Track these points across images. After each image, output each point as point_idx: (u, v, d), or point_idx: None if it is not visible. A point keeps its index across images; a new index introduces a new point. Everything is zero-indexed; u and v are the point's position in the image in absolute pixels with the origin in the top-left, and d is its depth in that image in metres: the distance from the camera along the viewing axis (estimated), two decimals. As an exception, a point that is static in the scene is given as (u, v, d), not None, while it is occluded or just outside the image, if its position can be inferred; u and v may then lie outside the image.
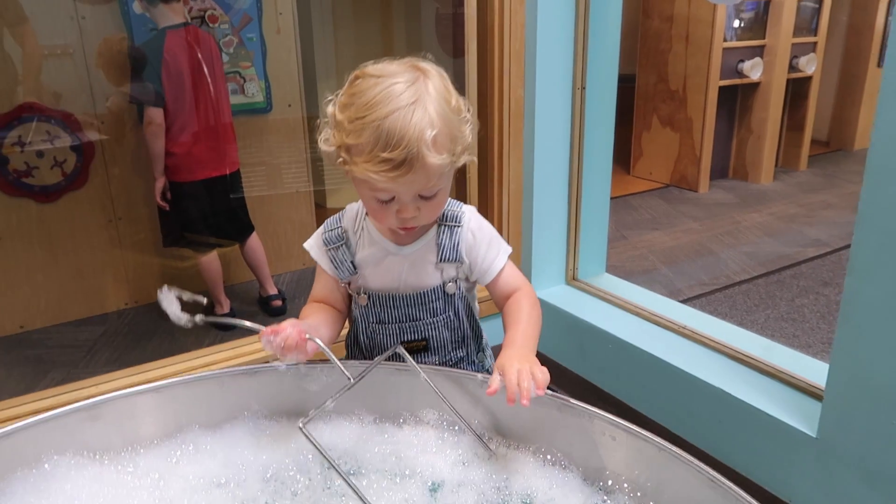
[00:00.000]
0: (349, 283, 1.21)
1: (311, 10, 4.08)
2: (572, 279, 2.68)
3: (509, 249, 1.21)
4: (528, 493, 0.89)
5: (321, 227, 1.22)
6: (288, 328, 0.99)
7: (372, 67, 1.00)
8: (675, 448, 0.82)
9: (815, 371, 1.92)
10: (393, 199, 1.02)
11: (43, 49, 2.97)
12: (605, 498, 0.88)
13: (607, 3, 2.36)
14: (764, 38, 5.25)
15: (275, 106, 3.56)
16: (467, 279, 1.22)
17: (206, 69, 2.89)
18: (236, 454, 0.97)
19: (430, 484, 0.92)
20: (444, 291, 1.17)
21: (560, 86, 2.43)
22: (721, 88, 5.14)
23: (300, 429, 0.80)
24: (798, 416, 1.79)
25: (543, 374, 0.95)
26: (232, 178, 3.12)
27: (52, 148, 3.06)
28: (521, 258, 2.61)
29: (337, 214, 1.21)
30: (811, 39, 5.52)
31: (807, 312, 3.25)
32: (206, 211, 3.07)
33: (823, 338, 2.96)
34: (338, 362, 0.95)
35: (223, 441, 0.99)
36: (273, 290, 3.37)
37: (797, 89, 5.65)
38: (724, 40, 5.03)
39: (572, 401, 0.93)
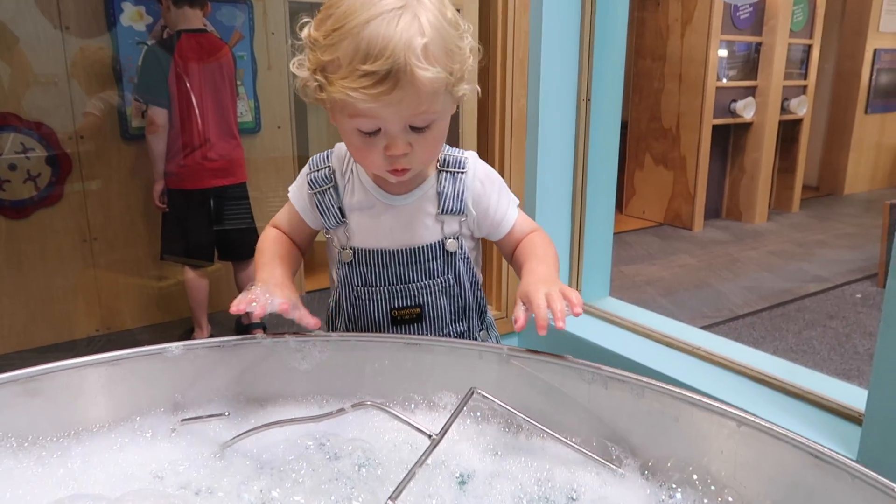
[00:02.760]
0: (330, 237, 1.04)
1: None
2: (576, 301, 2.52)
3: (517, 200, 1.05)
4: (572, 487, 0.71)
5: (305, 167, 1.04)
6: (263, 293, 0.89)
7: None
8: (761, 421, 0.66)
9: (848, 394, 1.78)
10: (379, 131, 0.85)
11: (31, 68, 2.85)
12: (672, 494, 0.71)
13: (613, 13, 2.28)
14: (756, 79, 5.27)
15: (264, 127, 3.44)
16: (471, 236, 1.04)
17: (216, 77, 2.79)
18: (201, 447, 0.79)
19: (458, 476, 0.74)
20: (444, 249, 0.99)
21: (564, 96, 2.33)
22: (714, 128, 5.12)
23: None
24: (836, 440, 1.63)
25: (576, 295, 0.80)
26: (240, 189, 2.97)
27: (27, 161, 2.90)
28: (507, 273, 2.46)
29: (325, 152, 1.04)
30: (801, 83, 5.56)
31: (816, 344, 3.11)
32: (212, 222, 2.91)
33: (837, 369, 2.81)
34: (412, 422, 0.74)
35: (197, 427, 0.81)
36: (257, 319, 3.18)
37: (788, 131, 5.65)
38: (718, 79, 5.03)
39: (619, 371, 0.76)
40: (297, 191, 1.04)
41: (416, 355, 0.86)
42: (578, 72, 2.32)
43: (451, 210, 0.98)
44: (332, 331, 1.08)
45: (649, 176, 5.52)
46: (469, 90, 0.88)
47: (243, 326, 3.17)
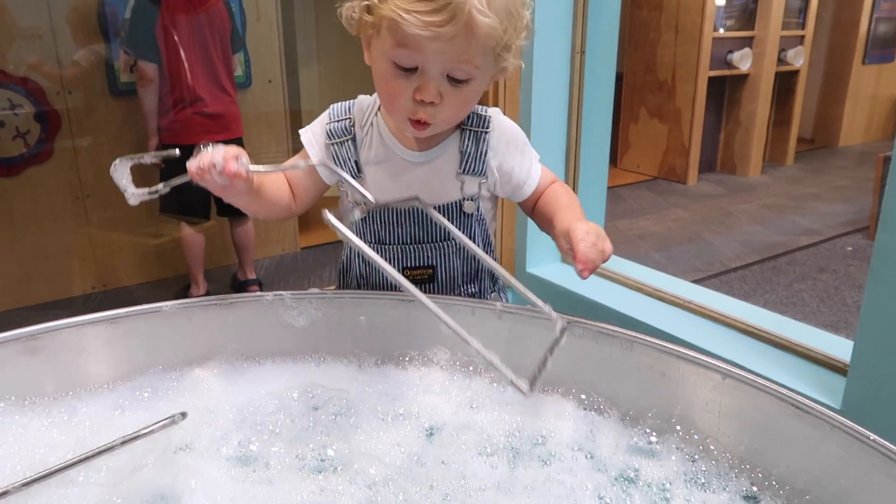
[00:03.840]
0: (343, 191, 1.01)
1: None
2: (568, 255, 2.54)
3: (538, 155, 1.02)
4: (541, 434, 0.74)
5: (324, 115, 1.01)
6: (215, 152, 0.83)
7: None
8: (745, 373, 0.68)
9: (834, 345, 1.81)
10: (415, 70, 0.81)
11: (14, 21, 2.78)
12: (651, 441, 0.73)
13: (609, -38, 2.24)
14: (753, 30, 5.19)
15: (254, 81, 3.39)
16: (491, 197, 1.02)
17: (208, 31, 2.73)
18: (203, 398, 0.81)
19: (426, 427, 0.77)
20: (462, 210, 0.97)
21: (559, 49, 2.30)
22: (710, 80, 5.07)
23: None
24: (821, 390, 1.67)
25: (606, 238, 0.81)
26: (236, 144, 2.94)
27: (15, 118, 2.86)
28: (515, 231, 2.47)
29: (346, 103, 1.00)
30: (799, 33, 5.48)
31: (806, 297, 3.15)
32: None
33: (825, 321, 2.86)
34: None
35: (190, 384, 0.83)
36: (252, 275, 3.20)
37: (785, 83, 5.60)
38: (714, 30, 4.96)
39: (610, 327, 0.78)
40: (313, 138, 1.00)
41: (410, 312, 0.88)
42: (573, 23, 2.29)
43: (473, 171, 0.96)
44: (344, 286, 1.07)
45: (644, 129, 5.48)
46: (514, 65, 0.86)
47: (239, 283, 3.19)
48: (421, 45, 0.78)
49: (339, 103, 1.01)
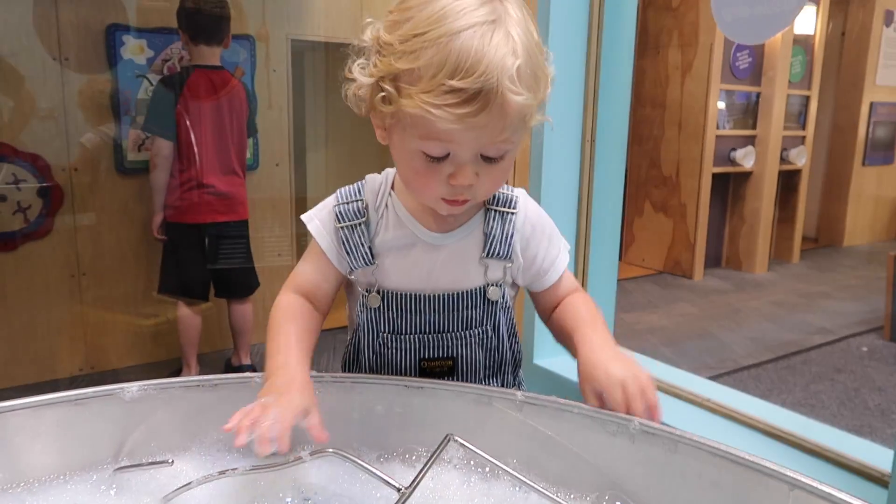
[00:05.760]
0: (355, 278, 0.91)
1: (304, 70, 4.00)
2: (579, 348, 2.43)
3: (568, 245, 0.95)
4: None
5: (330, 199, 0.92)
6: (270, 419, 0.68)
7: None
8: (814, 482, 0.57)
9: (870, 452, 1.68)
10: (447, 156, 0.75)
11: (34, 103, 2.82)
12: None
13: (619, 53, 2.26)
14: (755, 129, 5.28)
15: (262, 164, 3.39)
16: (513, 284, 0.94)
17: (227, 113, 2.77)
18: (181, 497, 0.69)
19: None
20: (486, 296, 0.89)
21: (569, 137, 2.29)
22: (714, 176, 5.11)
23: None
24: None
25: (653, 390, 0.72)
26: (240, 227, 2.92)
27: (17, 192, 2.83)
28: (523, 324, 2.38)
29: (354, 185, 0.92)
30: (800, 133, 5.58)
31: (825, 399, 3.01)
32: (213, 258, 2.85)
33: (848, 425, 2.71)
34: (379, 473, 0.66)
35: (165, 479, 0.71)
36: (247, 361, 3.08)
37: (788, 181, 5.65)
38: (717, 128, 5.04)
39: (652, 424, 0.68)
40: (321, 225, 0.91)
41: (417, 401, 0.78)
42: (583, 113, 2.28)
43: (498, 254, 0.89)
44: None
45: (649, 223, 5.48)
46: (541, 120, 0.80)
47: (233, 368, 3.07)
48: (453, 136, 0.72)
49: (347, 186, 0.93)
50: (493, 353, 0.92)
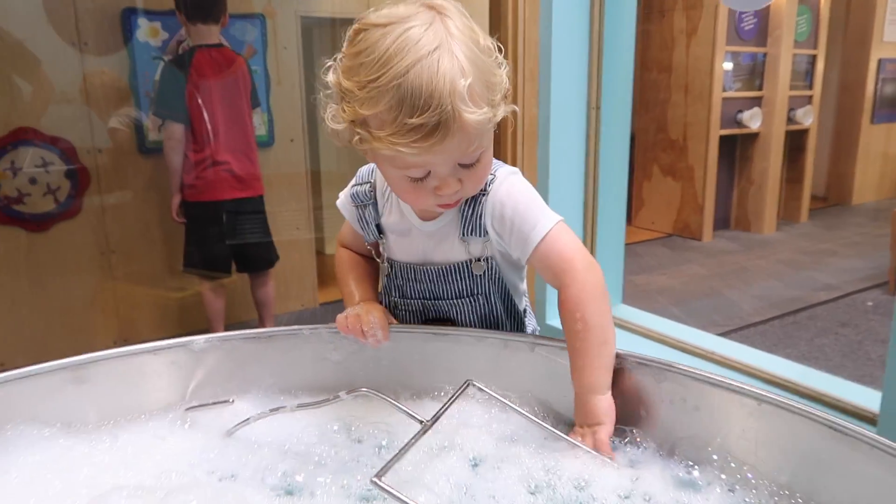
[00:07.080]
0: (380, 247, 1.06)
1: (314, 47, 4.08)
2: (588, 308, 2.54)
3: (553, 218, 0.93)
4: (582, 476, 0.74)
5: (354, 178, 1.07)
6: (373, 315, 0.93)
7: (374, 15, 0.80)
8: (778, 396, 0.68)
9: (862, 396, 1.79)
10: (428, 174, 0.84)
11: (51, 85, 2.92)
12: (691, 474, 0.73)
13: (621, 21, 2.33)
14: (761, 90, 5.31)
15: (277, 140, 3.50)
16: (508, 255, 1.02)
17: (232, 90, 2.84)
18: (244, 429, 0.82)
19: (471, 457, 0.77)
20: (470, 269, 1.00)
21: (575, 105, 2.37)
22: (721, 138, 5.16)
23: (376, 483, 0.62)
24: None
25: (603, 447, 0.79)
26: (257, 202, 3.01)
27: (46, 175, 2.96)
28: (534, 286, 2.49)
29: (369, 166, 1.04)
30: (807, 93, 5.59)
31: (829, 351, 3.11)
32: (231, 234, 2.96)
33: (851, 374, 2.82)
34: (405, 408, 0.77)
35: (230, 416, 0.84)
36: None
37: (795, 141, 5.68)
38: (723, 90, 5.07)
39: (642, 356, 0.79)
40: (345, 201, 1.07)
41: (446, 345, 0.89)
42: (588, 80, 2.36)
43: (472, 232, 0.97)
44: None
45: (657, 187, 5.55)
46: (506, 111, 0.86)
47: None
48: (427, 161, 0.82)
49: (365, 166, 1.05)
50: (486, 317, 1.04)
